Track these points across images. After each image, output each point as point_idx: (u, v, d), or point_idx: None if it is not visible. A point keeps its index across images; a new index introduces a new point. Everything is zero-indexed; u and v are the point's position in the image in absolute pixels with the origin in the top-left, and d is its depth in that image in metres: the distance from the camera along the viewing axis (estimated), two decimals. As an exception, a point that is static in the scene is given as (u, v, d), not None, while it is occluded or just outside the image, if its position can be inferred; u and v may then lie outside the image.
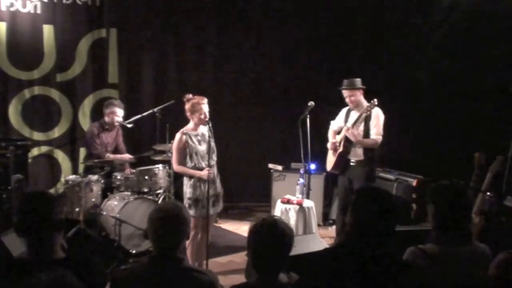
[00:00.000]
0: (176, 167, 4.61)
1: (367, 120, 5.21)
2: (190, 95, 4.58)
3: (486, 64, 6.62)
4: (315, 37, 7.33)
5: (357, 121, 5.20)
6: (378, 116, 5.24)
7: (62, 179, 6.16)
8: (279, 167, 6.82)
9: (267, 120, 7.50)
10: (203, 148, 4.55)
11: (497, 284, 2.17)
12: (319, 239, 4.49)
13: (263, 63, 7.43)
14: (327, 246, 4.37)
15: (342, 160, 5.36)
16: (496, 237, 4.24)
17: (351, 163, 5.34)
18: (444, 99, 6.93)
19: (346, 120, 5.44)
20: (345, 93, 5.32)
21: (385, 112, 7.25)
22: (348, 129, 5.20)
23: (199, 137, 4.58)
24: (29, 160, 6.28)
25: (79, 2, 6.61)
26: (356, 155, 5.30)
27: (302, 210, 5.34)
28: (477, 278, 2.41)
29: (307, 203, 5.45)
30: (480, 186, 4.52)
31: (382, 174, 6.73)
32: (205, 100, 4.56)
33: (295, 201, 5.42)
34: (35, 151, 6.60)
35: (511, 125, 5.79)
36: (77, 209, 5.50)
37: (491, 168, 4.62)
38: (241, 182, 7.13)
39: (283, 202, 5.48)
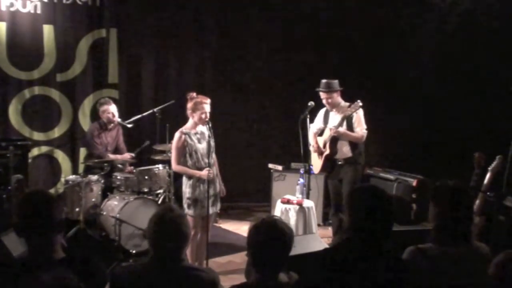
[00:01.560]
0: (174, 166, 4.62)
1: (348, 120, 5.22)
2: (194, 94, 4.59)
3: (486, 64, 6.63)
4: (315, 37, 7.33)
5: (341, 123, 5.20)
6: (359, 114, 5.26)
7: (62, 179, 6.16)
8: (279, 167, 6.82)
9: (267, 120, 7.50)
10: (203, 146, 4.54)
11: (497, 284, 2.17)
12: (319, 239, 4.48)
13: (263, 63, 7.43)
14: (327, 246, 4.37)
15: (329, 161, 5.36)
16: (496, 237, 4.24)
17: (339, 163, 5.34)
18: (444, 99, 6.94)
19: (325, 121, 5.43)
20: (322, 95, 5.34)
21: (385, 112, 7.28)
22: (334, 130, 5.20)
23: (198, 136, 4.58)
24: (29, 160, 6.27)
25: (79, 2, 6.60)
26: (343, 154, 5.31)
27: (302, 210, 5.34)
28: (477, 278, 2.41)
29: (307, 203, 5.44)
30: (480, 186, 4.53)
31: (382, 174, 6.73)
32: (208, 101, 4.56)
33: (295, 201, 5.42)
34: (35, 151, 6.59)
35: (511, 125, 5.80)
36: (77, 209, 5.50)
37: (491, 168, 4.63)
38: (241, 182, 7.12)
39: (283, 202, 5.48)
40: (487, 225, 4.43)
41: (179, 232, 2.38)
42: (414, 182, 6.33)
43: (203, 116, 4.52)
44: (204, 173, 4.48)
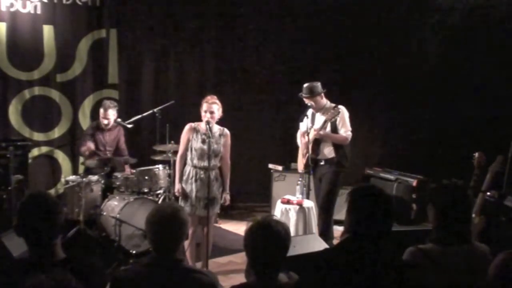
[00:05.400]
0: (177, 157, 4.74)
1: (332, 122, 5.21)
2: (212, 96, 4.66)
3: (486, 64, 6.63)
4: (315, 36, 7.33)
5: (324, 126, 5.21)
6: (343, 115, 5.23)
7: (63, 180, 6.16)
8: (279, 167, 6.82)
9: (267, 120, 7.50)
10: (204, 147, 4.55)
11: (496, 284, 2.17)
12: (319, 239, 4.48)
13: (263, 63, 7.44)
14: (327, 246, 4.37)
15: (312, 161, 5.34)
16: (496, 237, 4.24)
17: (321, 163, 5.34)
18: (444, 99, 6.94)
19: (312, 122, 5.42)
20: (305, 100, 5.33)
21: (385, 112, 7.26)
22: (316, 133, 5.20)
23: (204, 136, 4.58)
24: (29, 161, 6.28)
25: (79, 2, 6.61)
26: (325, 155, 5.31)
27: (302, 210, 5.33)
28: (477, 278, 2.41)
29: (307, 203, 5.44)
30: (480, 186, 4.52)
31: (382, 174, 6.74)
32: (211, 100, 4.57)
33: (295, 201, 5.41)
34: (35, 152, 6.59)
35: (511, 125, 5.80)
36: (77, 210, 5.49)
37: (491, 168, 4.62)
38: (241, 182, 7.13)
39: (283, 202, 5.47)
40: (487, 225, 4.42)
41: (175, 218, 2.37)
42: (414, 182, 6.33)
43: (202, 114, 4.55)
44: (176, 188, 4.67)
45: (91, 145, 5.88)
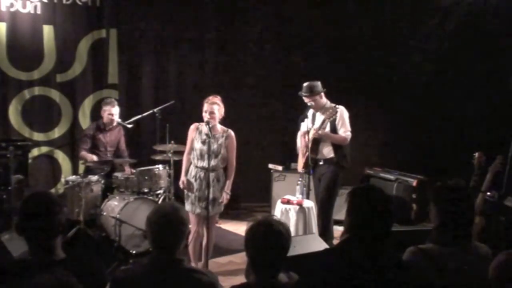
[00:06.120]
0: (184, 155, 4.81)
1: (332, 122, 5.21)
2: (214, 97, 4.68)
3: (486, 64, 6.63)
4: (315, 37, 7.33)
5: (322, 125, 5.21)
6: (342, 115, 5.23)
7: (62, 180, 6.15)
8: (279, 167, 6.82)
9: (267, 120, 7.50)
10: (204, 147, 4.55)
11: (497, 284, 2.17)
12: (319, 239, 4.48)
13: (263, 63, 7.44)
14: (327, 246, 4.37)
15: (311, 161, 5.34)
16: (496, 237, 4.24)
17: (320, 163, 5.34)
18: (444, 99, 6.94)
19: (313, 122, 5.42)
20: (304, 98, 5.32)
21: (385, 112, 7.26)
22: (315, 132, 5.20)
23: (205, 137, 4.59)
24: (29, 161, 6.28)
25: (79, 2, 6.61)
26: (324, 155, 5.31)
27: (302, 211, 5.33)
28: (477, 278, 2.41)
29: (307, 203, 5.44)
30: (480, 186, 4.53)
31: (382, 174, 6.74)
32: (211, 101, 4.58)
33: (295, 202, 5.41)
34: (35, 152, 6.59)
35: (511, 125, 5.80)
36: (77, 210, 5.49)
37: (491, 168, 4.63)
38: (241, 182, 7.12)
39: (283, 203, 5.47)
40: (487, 225, 4.43)
41: (176, 217, 2.37)
42: (414, 182, 6.33)
43: (203, 114, 4.55)
44: (181, 180, 4.69)
45: (93, 157, 5.87)
